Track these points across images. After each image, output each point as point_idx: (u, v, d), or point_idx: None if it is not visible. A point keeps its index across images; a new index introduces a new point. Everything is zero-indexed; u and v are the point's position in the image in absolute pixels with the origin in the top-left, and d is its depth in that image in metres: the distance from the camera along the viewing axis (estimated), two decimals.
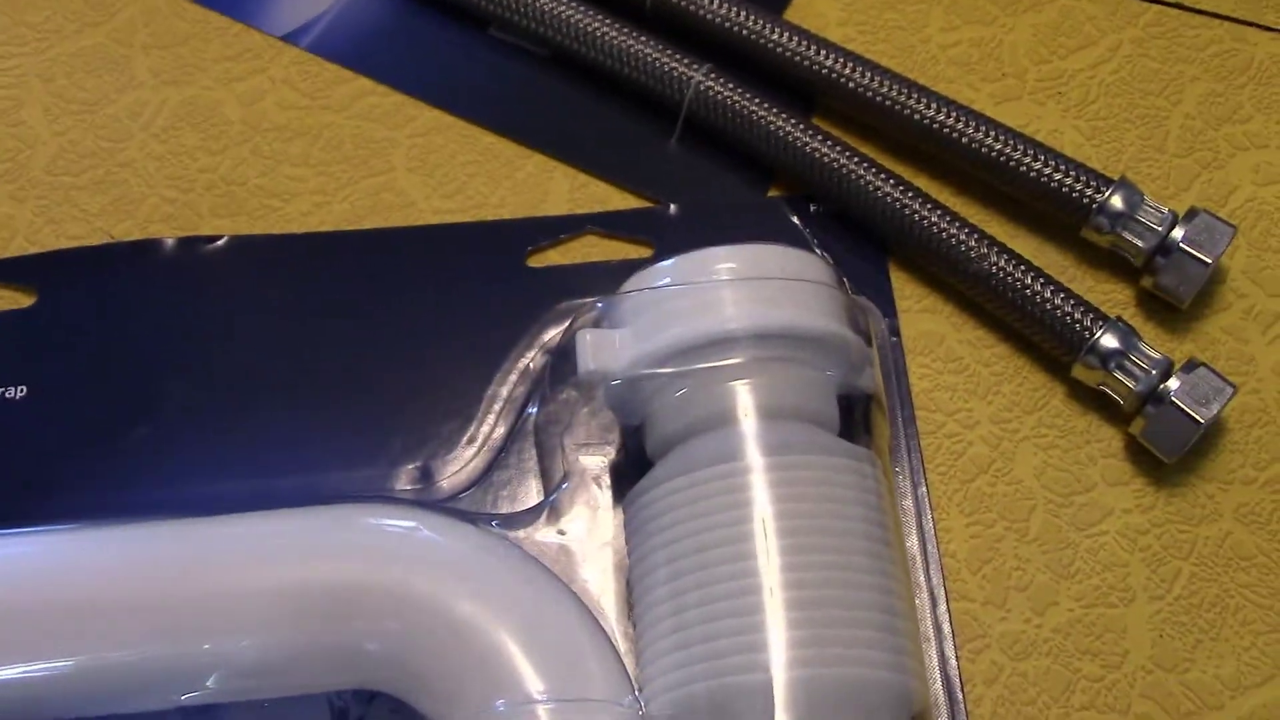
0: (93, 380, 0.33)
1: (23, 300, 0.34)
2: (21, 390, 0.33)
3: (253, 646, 0.27)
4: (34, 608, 0.28)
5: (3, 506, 0.32)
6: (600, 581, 0.30)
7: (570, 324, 0.33)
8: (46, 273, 0.35)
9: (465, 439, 0.33)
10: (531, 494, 0.32)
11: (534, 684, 0.26)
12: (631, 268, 0.34)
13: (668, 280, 0.30)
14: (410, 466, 0.32)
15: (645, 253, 0.35)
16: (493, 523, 0.30)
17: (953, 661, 0.30)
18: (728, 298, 0.29)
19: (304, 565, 0.28)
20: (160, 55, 0.39)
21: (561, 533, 0.30)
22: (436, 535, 0.28)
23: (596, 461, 0.31)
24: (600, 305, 0.31)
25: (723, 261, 0.29)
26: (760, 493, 0.27)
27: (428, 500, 0.32)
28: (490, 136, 0.37)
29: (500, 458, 0.32)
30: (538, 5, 0.38)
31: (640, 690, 0.27)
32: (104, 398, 0.33)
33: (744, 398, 0.28)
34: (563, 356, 0.33)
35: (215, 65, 0.39)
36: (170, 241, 0.35)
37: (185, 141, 0.37)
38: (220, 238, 0.35)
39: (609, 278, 0.34)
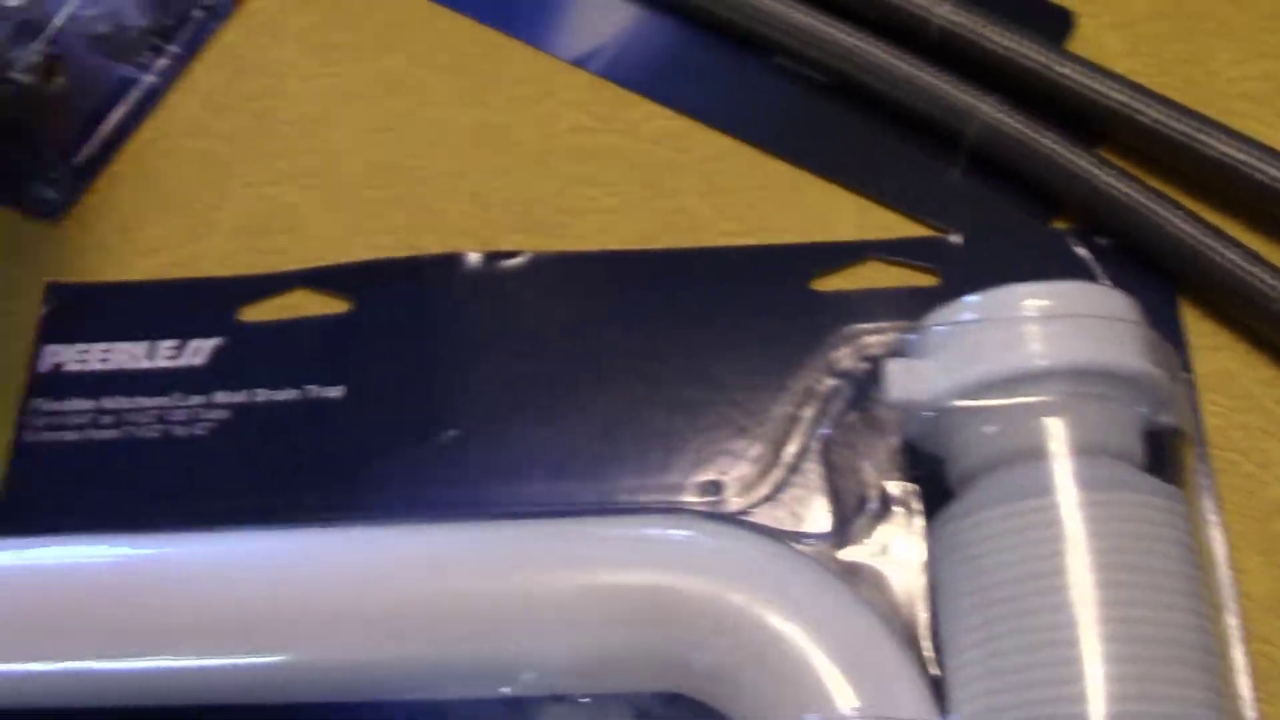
0: (404, 383, 0.36)
1: (341, 306, 0.37)
2: (339, 390, 0.35)
3: (568, 646, 0.29)
4: (362, 599, 0.30)
5: (317, 498, 0.34)
6: (901, 604, 0.30)
7: (859, 348, 0.34)
8: (363, 281, 0.37)
9: (753, 456, 0.34)
10: (819, 514, 0.33)
11: (845, 699, 0.27)
12: (917, 295, 0.34)
13: (975, 314, 0.30)
14: (699, 480, 0.34)
15: (930, 281, 0.36)
16: (800, 540, 0.32)
17: (1251, 704, 0.30)
18: (1040, 333, 0.29)
19: (624, 569, 0.29)
20: (458, 77, 0.41)
21: (863, 553, 0.31)
22: (751, 549, 0.30)
23: (894, 487, 0.32)
24: (904, 335, 0.32)
25: (1031, 298, 0.30)
26: (1076, 528, 0.27)
27: (717, 515, 0.33)
28: (776, 162, 0.39)
29: (789, 476, 0.33)
30: (822, 34, 0.39)
31: (946, 716, 0.28)
32: (414, 401, 0.35)
33: (1057, 433, 0.29)
34: (854, 381, 0.34)
35: (509, 87, 0.41)
36: (474, 256, 0.37)
37: (484, 161, 0.40)
38: (520, 253, 0.37)
39: (894, 304, 0.35)
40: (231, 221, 0.39)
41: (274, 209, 0.39)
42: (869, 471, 0.32)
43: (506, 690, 0.30)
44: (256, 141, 0.41)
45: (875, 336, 0.35)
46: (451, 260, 0.37)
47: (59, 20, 0.40)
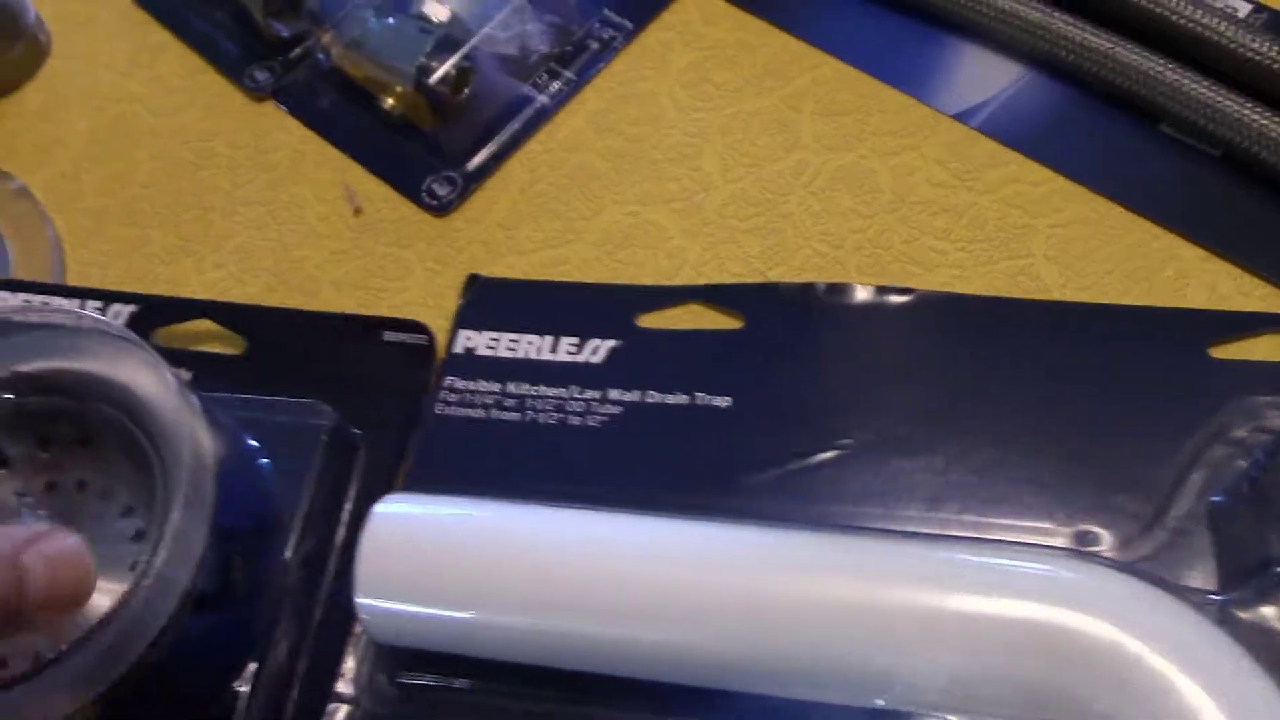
0: (789, 401, 0.37)
1: (733, 322, 0.39)
2: (727, 400, 0.37)
3: (952, 665, 0.29)
4: (766, 594, 0.30)
5: (700, 498, 0.36)
6: None
7: (1258, 419, 0.34)
8: (756, 300, 0.39)
9: (1135, 513, 0.33)
10: (1201, 579, 0.32)
11: None
12: None
13: None
14: (1076, 529, 0.33)
15: None
16: (1207, 597, 0.31)
17: None
18: None
19: (1020, 601, 0.29)
20: (824, 122, 0.43)
21: (1253, 618, 0.30)
22: (1152, 600, 0.29)
23: None
24: None
25: None
26: None
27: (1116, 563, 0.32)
28: (1139, 231, 0.38)
29: (1173, 539, 0.32)
30: (1214, 104, 0.38)
31: None
32: (797, 419, 0.36)
33: None
34: (1249, 451, 0.33)
35: (873, 138, 0.42)
36: (865, 288, 0.38)
37: (840, 203, 0.41)
38: (911, 291, 0.38)
39: None
40: (598, 232, 0.42)
41: (638, 226, 0.42)
42: (1261, 542, 0.31)
43: (880, 702, 0.30)
44: (631, 163, 0.44)
45: (1275, 411, 0.34)
46: (842, 289, 0.38)
47: (475, 39, 0.45)
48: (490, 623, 0.31)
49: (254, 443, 0.36)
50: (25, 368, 0.35)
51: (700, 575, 0.30)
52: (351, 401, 0.38)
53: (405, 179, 0.45)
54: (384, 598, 0.32)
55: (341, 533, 0.36)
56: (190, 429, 0.31)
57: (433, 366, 0.40)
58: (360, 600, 0.32)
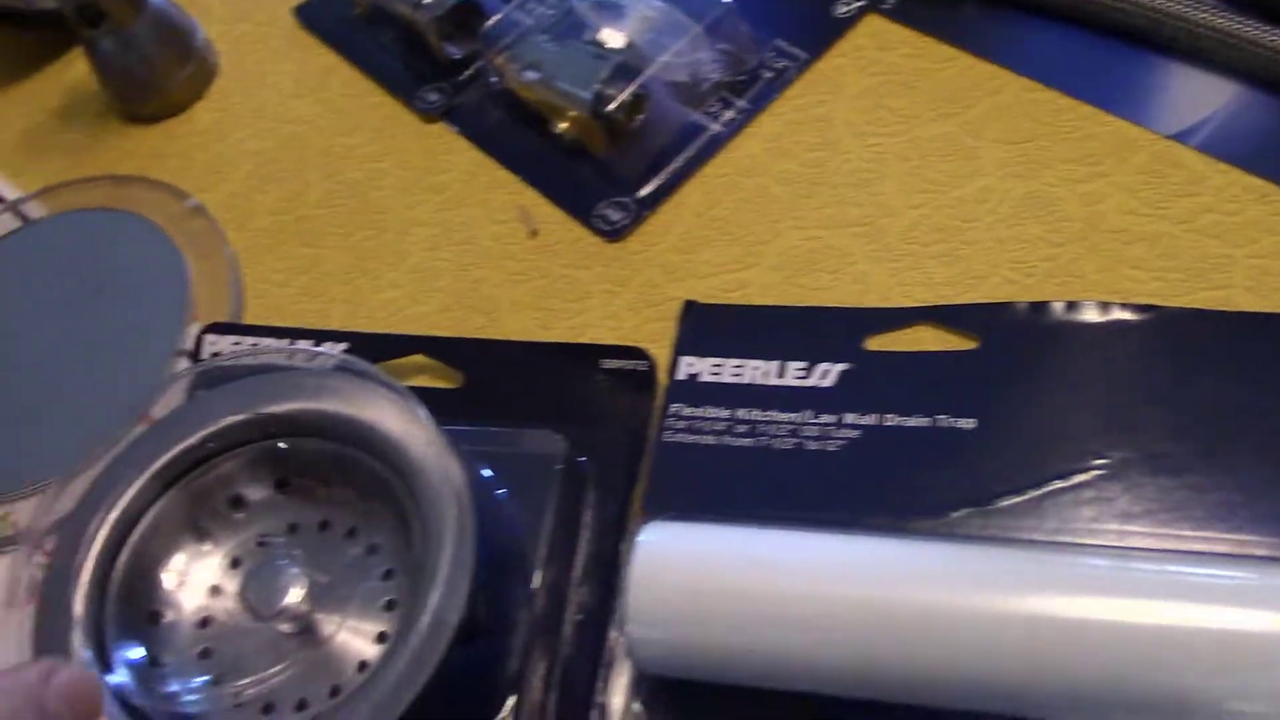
0: (1037, 421, 0.36)
1: (967, 343, 0.39)
2: (972, 422, 0.37)
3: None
4: (1068, 618, 0.30)
5: (952, 523, 0.35)
6: None
7: None
8: (988, 320, 0.39)
9: None
10: None
11: None
12: None
13: None
14: None
15: None
16: None
17: None
18: None
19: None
20: (1007, 149, 0.43)
21: None
22: None
23: None
24: None
25: None
26: None
27: None
28: None
29: None
30: None
31: None
32: (1047, 439, 0.36)
33: None
34: None
35: (1059, 165, 0.42)
36: (1099, 306, 0.38)
37: (1028, 230, 0.41)
38: (1151, 309, 0.37)
39: None
40: (778, 256, 0.42)
41: (820, 250, 0.42)
42: None
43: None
44: (809, 188, 0.44)
45: None
46: (1079, 307, 0.38)
47: (653, 69, 0.45)
48: (766, 650, 0.31)
49: (489, 473, 0.36)
50: (272, 409, 0.35)
51: (979, 597, 0.30)
52: (574, 430, 0.38)
53: (578, 203, 0.46)
54: (656, 627, 0.32)
55: (579, 563, 0.36)
56: (446, 465, 0.31)
57: (654, 392, 0.40)
58: (632, 631, 0.32)
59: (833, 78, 0.46)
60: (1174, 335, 0.37)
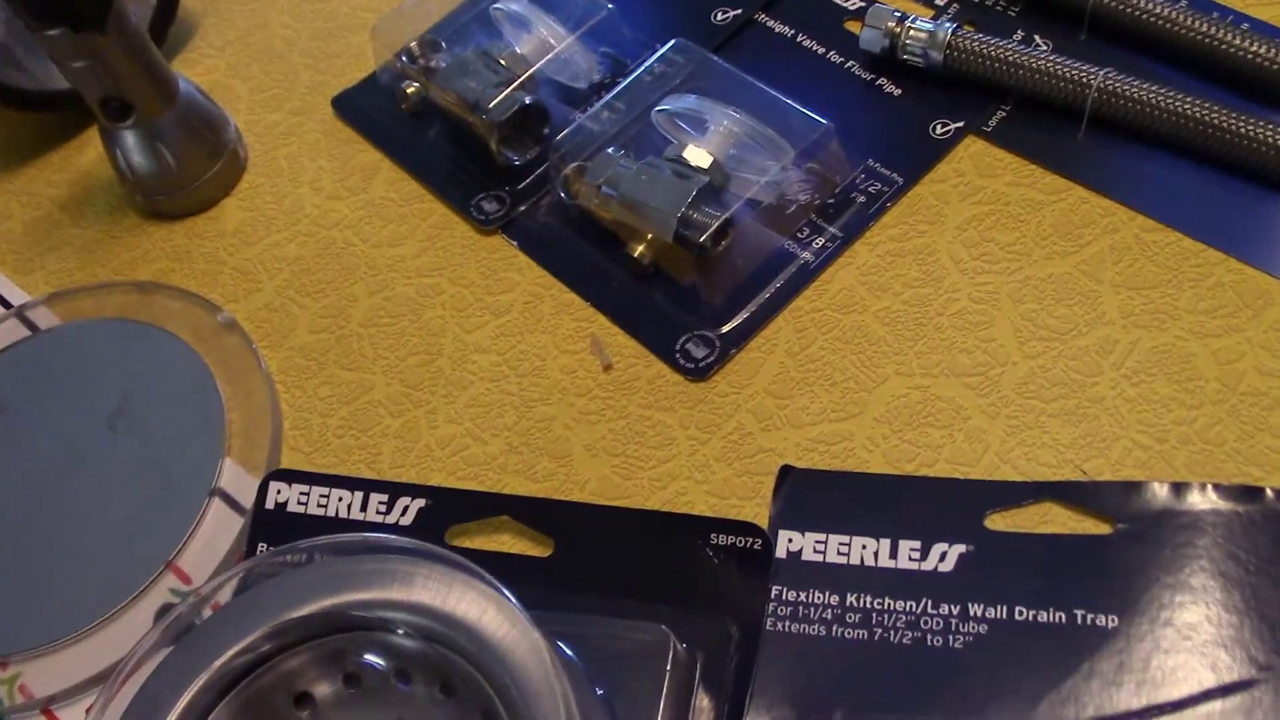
0: (1186, 620, 0.33)
1: (1099, 526, 0.35)
2: (1114, 619, 0.33)
3: None
4: None
5: None
6: None
7: None
8: (1121, 501, 0.35)
9: None
10: None
11: None
12: None
13: None
14: None
15: None
16: None
17: None
18: None
19: None
20: (1130, 296, 0.40)
21: None
22: None
23: None
24: None
25: None
26: None
27: None
28: None
29: None
30: None
31: None
32: (1205, 642, 0.32)
33: None
34: None
35: (1188, 315, 0.39)
36: (1239, 490, 0.35)
37: (1158, 389, 0.37)
38: None
39: None
40: (883, 405, 0.39)
41: (929, 401, 0.39)
42: None
43: None
44: (913, 328, 0.40)
45: None
46: (1232, 492, 0.35)
47: (749, 194, 0.42)
48: None
49: (578, 661, 0.33)
50: (347, 598, 0.31)
51: None
52: (679, 614, 0.34)
53: (656, 336, 0.42)
54: None
55: None
56: (560, 690, 0.27)
57: (769, 575, 0.36)
58: None
59: (932, 205, 0.43)
60: None
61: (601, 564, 0.37)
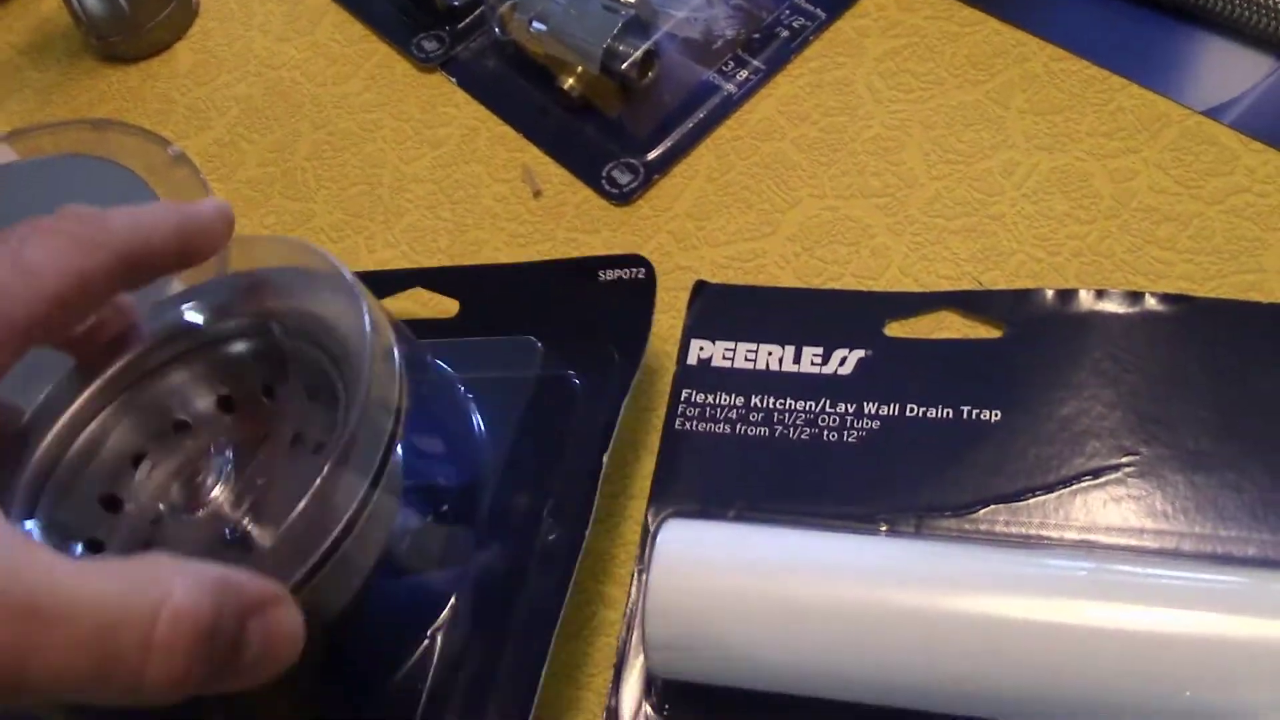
0: (1065, 416, 0.35)
1: (991, 331, 0.37)
2: (997, 414, 0.35)
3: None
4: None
5: (977, 521, 0.34)
6: None
7: None
8: (1013, 307, 0.37)
9: None
10: None
11: None
12: None
13: None
14: None
15: None
16: None
17: None
18: None
19: None
20: (1035, 120, 0.41)
21: None
22: None
23: None
24: None
25: None
26: None
27: None
28: None
29: None
30: None
31: None
32: (1075, 434, 0.34)
33: None
34: None
35: (1088, 139, 0.40)
36: (1128, 296, 0.36)
37: (1055, 206, 0.39)
38: (1184, 299, 0.36)
39: None
40: (796, 225, 0.41)
41: (839, 221, 0.40)
42: None
43: None
44: (828, 154, 0.42)
45: None
46: (1108, 296, 0.36)
47: (669, 25, 0.43)
48: (786, 655, 0.29)
49: (464, 389, 0.35)
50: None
51: (1004, 603, 0.29)
52: (569, 344, 0.37)
53: (584, 164, 0.44)
54: (674, 629, 0.30)
55: (558, 476, 0.35)
56: (381, 341, 0.30)
57: (653, 304, 0.37)
58: (651, 633, 0.30)
59: (853, 39, 0.44)
60: (1208, 326, 0.36)
61: (501, 312, 0.39)
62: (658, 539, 0.32)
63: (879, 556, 0.31)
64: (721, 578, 0.31)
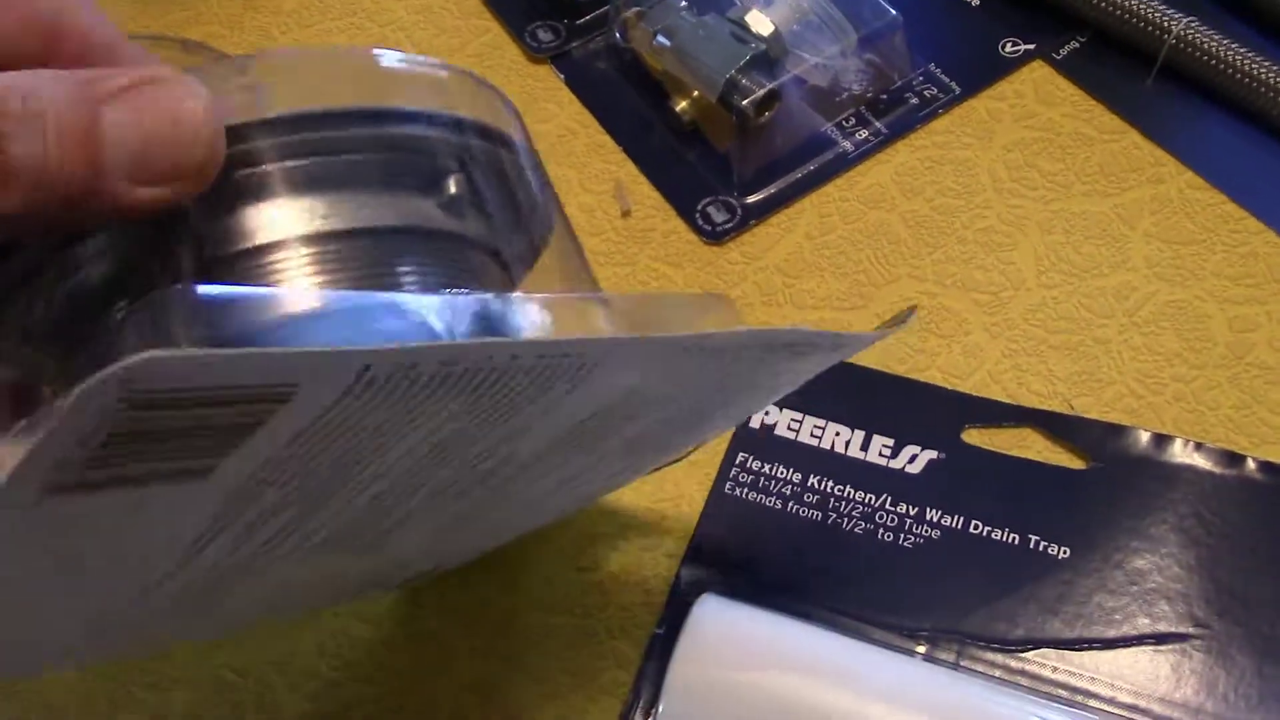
0: (1138, 568, 0.33)
1: (1074, 461, 0.35)
2: (1065, 551, 0.33)
3: None
4: None
5: (1027, 661, 0.32)
6: None
7: None
8: (1103, 440, 0.35)
9: None
10: None
11: None
12: None
13: None
14: None
15: None
16: None
17: None
18: None
19: None
20: (1160, 247, 0.39)
21: None
22: None
23: None
24: None
25: None
26: None
27: None
28: None
29: None
30: None
31: None
32: (1149, 591, 0.32)
33: None
34: None
35: (1213, 279, 0.38)
36: (1221, 453, 0.34)
37: (1165, 343, 0.37)
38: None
39: None
40: (888, 304, 0.38)
41: (935, 309, 0.38)
42: None
43: None
44: (936, 236, 0.40)
45: None
46: (1210, 452, 0.34)
47: (800, 69, 0.41)
48: None
49: None
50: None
51: None
52: None
53: (681, 193, 0.42)
54: (690, 711, 0.29)
55: None
56: None
57: None
58: (666, 708, 0.29)
59: (984, 121, 0.42)
60: None
61: None
62: (693, 612, 0.30)
63: (912, 684, 0.30)
64: (748, 668, 0.29)
